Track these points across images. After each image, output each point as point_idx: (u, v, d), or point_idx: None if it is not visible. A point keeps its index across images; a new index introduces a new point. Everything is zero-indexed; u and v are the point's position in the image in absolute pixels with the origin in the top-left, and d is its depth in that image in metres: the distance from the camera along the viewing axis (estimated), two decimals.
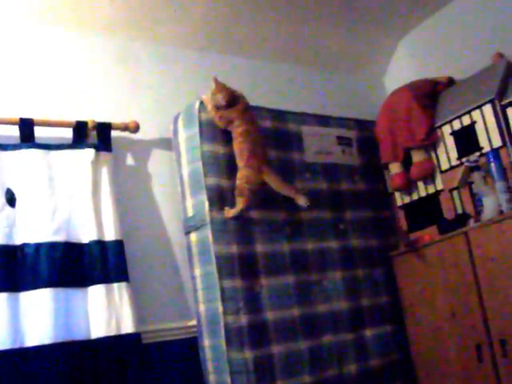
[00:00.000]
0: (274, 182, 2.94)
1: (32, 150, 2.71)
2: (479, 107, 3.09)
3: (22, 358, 2.47)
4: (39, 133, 2.76)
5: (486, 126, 3.07)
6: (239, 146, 2.91)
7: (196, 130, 2.99)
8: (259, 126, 3.07)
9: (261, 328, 2.87)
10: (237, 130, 2.92)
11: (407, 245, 3.39)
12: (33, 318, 2.53)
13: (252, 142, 2.91)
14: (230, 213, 2.90)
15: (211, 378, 2.86)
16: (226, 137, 3.02)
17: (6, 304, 2.50)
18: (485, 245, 2.88)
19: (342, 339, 3.12)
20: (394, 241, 3.53)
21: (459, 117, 3.19)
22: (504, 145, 2.98)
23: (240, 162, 2.91)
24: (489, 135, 3.05)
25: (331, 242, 3.26)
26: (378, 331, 3.27)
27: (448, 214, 3.24)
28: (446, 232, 3.12)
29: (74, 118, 2.87)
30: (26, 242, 2.60)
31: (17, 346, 2.48)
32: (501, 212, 2.86)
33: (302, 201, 2.94)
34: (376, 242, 3.46)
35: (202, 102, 3.01)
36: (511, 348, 2.76)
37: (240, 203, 2.88)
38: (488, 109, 3.05)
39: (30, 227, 2.62)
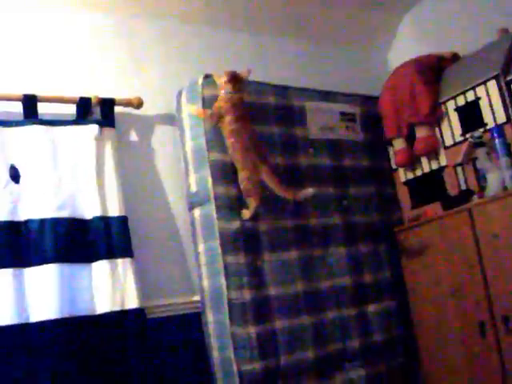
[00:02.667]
0: (270, 182, 2.93)
1: (35, 126, 2.71)
2: (484, 83, 3.07)
3: (26, 333, 2.49)
4: (42, 109, 2.76)
5: (491, 101, 3.05)
6: (232, 148, 2.89)
7: (199, 104, 2.98)
8: (262, 103, 3.08)
9: (264, 303, 2.89)
10: (227, 127, 2.89)
11: (411, 220, 3.39)
12: (37, 294, 2.55)
13: (244, 141, 2.89)
14: (246, 214, 2.91)
15: (215, 353, 2.88)
16: None
17: (11, 280, 2.51)
18: (488, 221, 2.88)
19: (345, 314, 3.14)
20: (398, 217, 3.53)
21: (463, 92, 3.17)
22: (508, 121, 2.96)
23: (237, 164, 2.90)
24: (493, 111, 3.03)
25: (334, 218, 3.27)
26: (381, 307, 3.29)
27: (452, 190, 3.24)
28: (449, 208, 3.12)
29: (77, 94, 2.86)
30: (31, 217, 2.61)
31: (22, 321, 2.50)
32: (505, 188, 2.86)
33: (305, 193, 2.95)
34: (379, 217, 3.46)
35: (205, 77, 3.00)
36: None
37: (252, 203, 2.89)
38: (492, 84, 3.03)
39: (35, 203, 2.63)
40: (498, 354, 2.85)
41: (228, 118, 2.88)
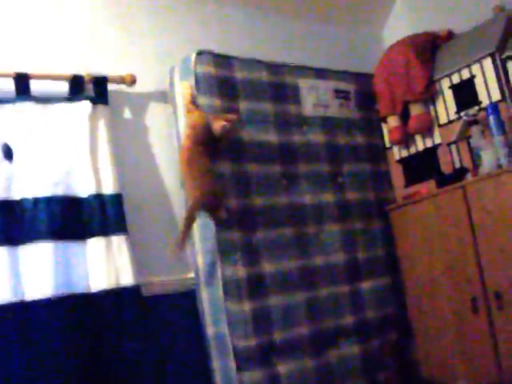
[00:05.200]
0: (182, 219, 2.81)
1: (28, 103, 2.68)
2: (479, 61, 3.08)
3: (22, 312, 2.49)
4: (35, 87, 2.73)
5: (486, 79, 3.05)
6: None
7: (192, 83, 2.97)
8: (255, 80, 3.10)
9: (258, 280, 2.90)
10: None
11: (405, 198, 3.40)
12: (32, 272, 2.54)
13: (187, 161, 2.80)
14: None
15: (209, 329, 2.90)
16: (223, 90, 3.01)
17: (5, 258, 2.50)
18: (482, 199, 2.89)
19: (338, 291, 3.16)
20: (391, 194, 3.54)
21: (458, 70, 3.18)
22: (503, 99, 2.97)
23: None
24: (488, 89, 3.04)
25: (328, 195, 3.28)
26: (375, 284, 3.31)
27: (446, 168, 3.25)
28: (443, 186, 3.13)
29: (69, 71, 2.84)
30: (25, 196, 2.60)
31: (17, 299, 2.49)
32: (499, 166, 2.87)
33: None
34: (373, 195, 3.47)
35: (198, 53, 2.98)
36: (506, 301, 2.80)
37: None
38: (488, 62, 3.03)
39: (28, 181, 2.61)
40: (490, 330, 2.88)
41: (186, 135, 2.84)
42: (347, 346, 3.11)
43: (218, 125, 2.80)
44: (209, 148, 2.81)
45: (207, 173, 2.79)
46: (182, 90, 2.97)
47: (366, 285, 3.28)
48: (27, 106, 2.68)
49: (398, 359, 3.29)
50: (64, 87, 2.83)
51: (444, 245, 3.10)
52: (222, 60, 3.07)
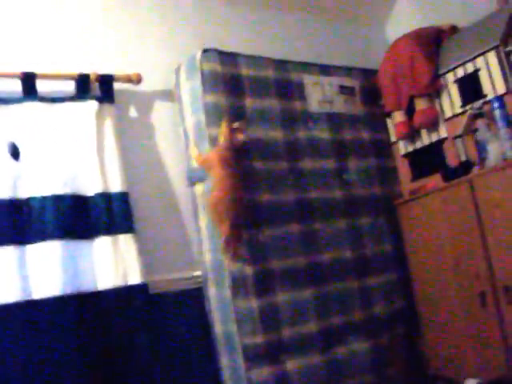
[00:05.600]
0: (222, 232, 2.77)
1: (35, 103, 2.70)
2: (483, 54, 3.06)
3: (30, 310, 2.50)
4: (41, 86, 2.74)
5: (490, 72, 3.04)
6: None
7: (198, 81, 2.97)
8: (261, 77, 3.10)
9: (266, 277, 2.90)
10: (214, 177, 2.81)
11: (411, 193, 3.39)
12: (40, 271, 2.55)
13: (224, 189, 2.76)
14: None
15: (217, 327, 2.90)
16: (229, 87, 3.01)
17: (13, 257, 2.51)
18: (489, 192, 2.89)
19: (346, 287, 3.16)
20: (398, 189, 3.54)
21: (463, 64, 3.16)
22: (508, 91, 2.95)
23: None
24: (493, 82, 3.03)
25: (335, 191, 3.28)
26: (383, 279, 3.31)
27: (452, 162, 3.24)
28: (450, 180, 3.12)
29: (76, 70, 2.85)
30: (32, 195, 2.61)
31: (25, 298, 2.50)
32: (505, 159, 2.86)
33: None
34: (380, 190, 3.48)
35: (204, 51, 2.98)
36: None
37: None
38: (492, 55, 3.02)
39: (36, 180, 2.63)
40: (499, 324, 2.87)
41: (218, 168, 2.78)
42: (356, 342, 3.11)
43: (237, 139, 2.80)
44: (237, 165, 2.82)
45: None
46: (191, 151, 2.98)
47: (374, 280, 3.28)
48: (34, 106, 2.69)
49: (406, 354, 3.28)
50: (70, 86, 2.84)
51: (452, 239, 3.09)
52: (228, 57, 3.07)
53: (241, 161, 2.87)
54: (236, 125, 2.87)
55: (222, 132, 2.82)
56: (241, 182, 2.81)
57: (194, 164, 2.97)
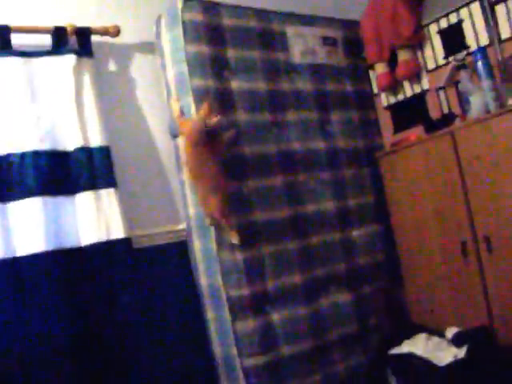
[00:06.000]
0: (216, 214, 2.77)
1: (10, 57, 2.64)
2: (467, 5, 3.04)
3: (14, 268, 2.50)
4: (17, 40, 2.67)
5: (474, 23, 3.02)
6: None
7: (180, 30, 2.92)
8: (242, 27, 3.08)
9: (250, 229, 2.90)
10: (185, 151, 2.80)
11: (393, 145, 3.40)
12: (23, 228, 2.54)
13: (194, 169, 2.76)
14: (234, 239, 2.82)
15: (202, 280, 2.92)
16: (211, 37, 2.97)
17: None
18: (471, 143, 2.90)
19: (329, 239, 3.18)
20: (380, 141, 3.55)
21: (446, 15, 3.14)
22: (491, 43, 2.94)
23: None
24: (476, 33, 3.01)
25: (318, 143, 3.27)
26: (365, 231, 3.34)
27: (434, 114, 3.24)
28: (432, 131, 3.13)
29: (52, 23, 2.78)
30: (11, 151, 2.57)
31: (8, 255, 2.49)
32: (487, 110, 2.86)
33: (234, 239, 2.82)
34: (362, 142, 3.48)
35: (185, 0, 2.93)
36: (495, 244, 2.83)
37: (226, 227, 2.82)
38: (476, 6, 3.00)
39: (14, 137, 2.59)
40: (480, 273, 2.91)
41: (186, 143, 2.77)
42: (339, 293, 3.15)
43: (212, 121, 2.72)
44: (210, 146, 2.74)
45: (218, 173, 2.76)
46: (172, 105, 2.93)
47: (356, 232, 3.31)
48: (10, 61, 2.63)
49: (388, 305, 3.32)
50: (47, 40, 2.77)
51: (433, 190, 3.11)
52: (210, 7, 3.01)
53: (215, 143, 2.78)
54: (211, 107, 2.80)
55: (202, 110, 2.76)
56: (211, 160, 2.75)
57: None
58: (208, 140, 2.70)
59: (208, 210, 2.77)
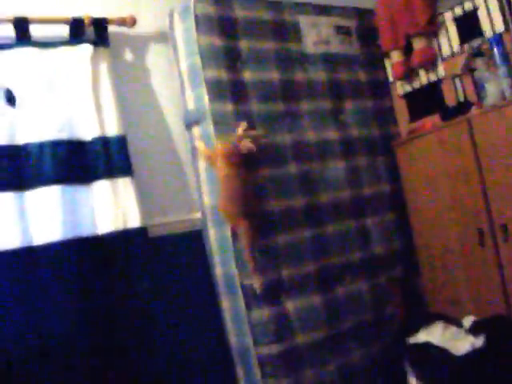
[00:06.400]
0: (243, 238, 2.79)
1: (28, 48, 2.66)
2: None
3: (31, 256, 2.52)
4: (35, 31, 2.70)
5: (489, 11, 3.01)
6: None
7: (192, 23, 2.93)
8: (255, 18, 3.08)
9: (265, 218, 2.91)
10: (220, 173, 2.80)
11: (409, 133, 3.39)
12: (40, 216, 2.56)
13: (229, 188, 2.78)
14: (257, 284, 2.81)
15: (217, 269, 2.93)
16: (224, 28, 2.97)
17: (12, 203, 2.52)
18: (487, 131, 2.88)
19: (344, 228, 3.18)
20: (396, 130, 3.54)
21: (461, 2, 3.13)
22: (507, 30, 2.93)
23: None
24: (491, 20, 3.00)
25: (332, 132, 3.27)
26: (381, 219, 3.34)
27: (450, 102, 3.23)
28: (448, 119, 3.12)
29: (69, 14, 2.80)
30: (29, 141, 2.59)
31: (25, 244, 2.51)
32: (503, 97, 2.85)
33: (255, 283, 2.80)
34: (377, 131, 3.47)
35: None
36: None
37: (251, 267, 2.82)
38: None
39: (33, 126, 2.61)
40: (497, 262, 2.91)
41: (221, 164, 2.78)
42: (354, 282, 3.15)
43: (244, 146, 2.76)
44: (247, 168, 2.79)
45: (254, 198, 2.83)
46: (199, 150, 2.94)
47: (372, 220, 3.30)
48: (28, 51, 2.66)
49: (404, 294, 3.32)
50: (64, 31, 2.79)
51: (450, 179, 3.10)
52: None
53: (246, 167, 2.82)
54: (253, 133, 2.86)
55: (236, 134, 2.80)
56: (247, 182, 2.80)
57: (190, 106, 2.96)
58: (244, 162, 2.74)
59: (236, 230, 2.79)
